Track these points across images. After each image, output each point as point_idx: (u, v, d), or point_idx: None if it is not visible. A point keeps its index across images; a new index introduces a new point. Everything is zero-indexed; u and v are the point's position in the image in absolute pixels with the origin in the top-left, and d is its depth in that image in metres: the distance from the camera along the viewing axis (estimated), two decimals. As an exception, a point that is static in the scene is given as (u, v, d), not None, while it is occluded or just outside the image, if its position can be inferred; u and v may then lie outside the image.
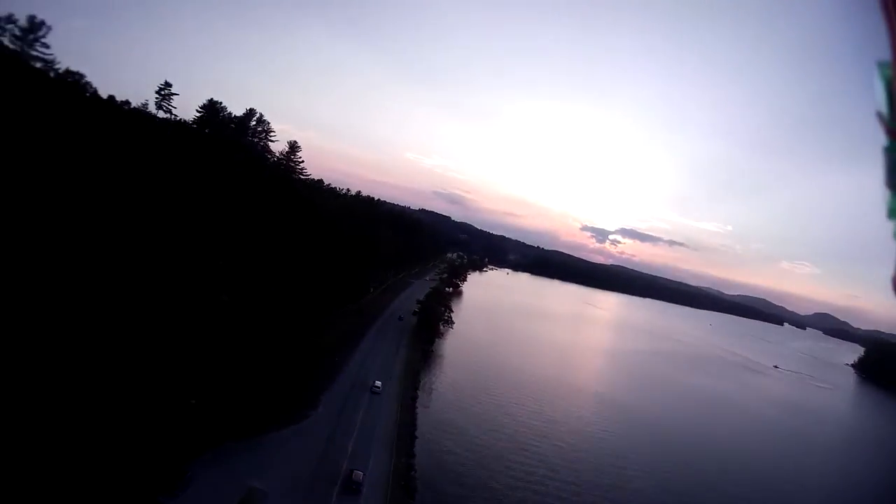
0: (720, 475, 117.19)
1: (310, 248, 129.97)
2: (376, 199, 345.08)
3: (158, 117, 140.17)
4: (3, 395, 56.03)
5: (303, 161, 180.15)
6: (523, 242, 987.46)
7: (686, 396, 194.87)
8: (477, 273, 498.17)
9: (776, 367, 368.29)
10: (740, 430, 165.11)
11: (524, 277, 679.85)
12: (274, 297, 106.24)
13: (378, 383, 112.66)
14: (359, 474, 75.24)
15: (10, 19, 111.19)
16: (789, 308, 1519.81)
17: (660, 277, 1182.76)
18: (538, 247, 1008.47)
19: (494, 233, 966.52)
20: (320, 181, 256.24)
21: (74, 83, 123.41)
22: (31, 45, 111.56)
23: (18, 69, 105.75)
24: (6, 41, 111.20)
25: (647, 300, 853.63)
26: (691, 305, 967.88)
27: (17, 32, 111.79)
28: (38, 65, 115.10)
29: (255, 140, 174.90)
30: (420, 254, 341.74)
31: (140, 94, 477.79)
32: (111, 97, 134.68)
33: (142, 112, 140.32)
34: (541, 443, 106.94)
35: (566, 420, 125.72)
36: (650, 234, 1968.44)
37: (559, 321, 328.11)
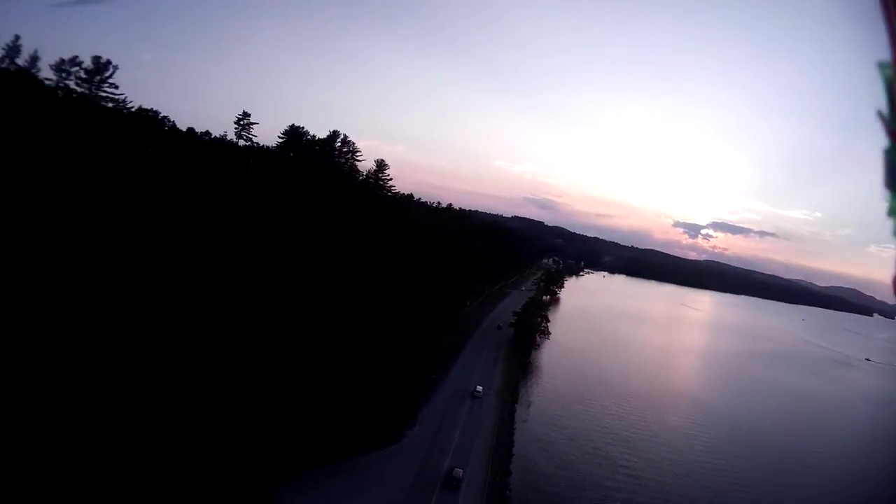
0: (820, 485, 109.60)
1: (402, 266, 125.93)
2: (468, 209, 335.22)
3: (240, 146, 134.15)
4: (99, 417, 55.10)
5: (391, 179, 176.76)
6: (617, 243, 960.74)
7: (783, 398, 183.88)
8: (573, 278, 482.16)
9: (868, 359, 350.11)
10: (837, 431, 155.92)
11: (620, 280, 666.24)
12: (367, 317, 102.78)
13: (479, 388, 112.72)
14: (458, 471, 75.96)
15: (74, 62, 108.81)
16: (878, 297, 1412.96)
17: (753, 271, 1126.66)
18: (632, 246, 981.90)
19: (588, 235, 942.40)
20: (410, 195, 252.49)
21: (151, 118, 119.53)
22: (98, 87, 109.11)
23: (89, 110, 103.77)
24: (72, 84, 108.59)
25: (742, 297, 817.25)
26: (784, 300, 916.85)
27: (83, 75, 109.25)
28: (110, 105, 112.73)
29: (342, 161, 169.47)
30: (516, 262, 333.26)
31: (218, 125, 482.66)
32: (190, 129, 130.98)
33: (223, 141, 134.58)
34: (635, 458, 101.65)
35: (660, 431, 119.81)
36: (741, 225, 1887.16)
37: (656, 325, 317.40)
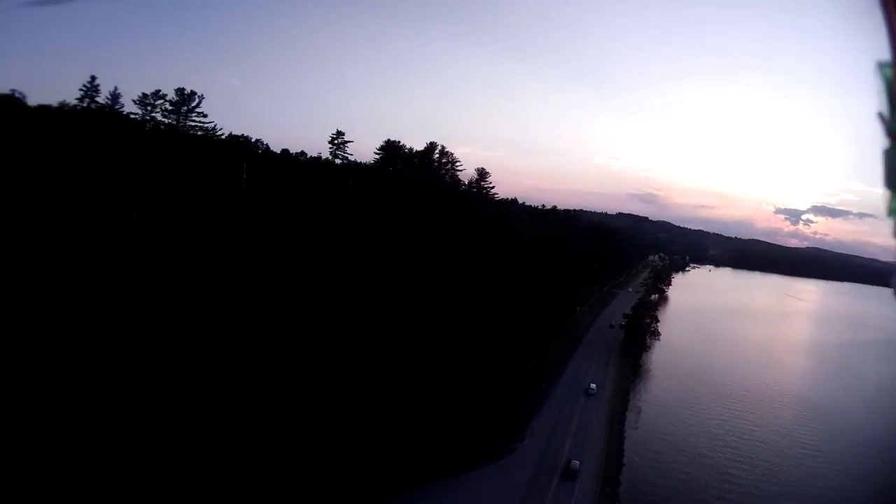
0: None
1: (509, 277, 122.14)
2: (573, 209, 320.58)
3: (337, 164, 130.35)
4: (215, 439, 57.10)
5: (493, 186, 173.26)
6: (721, 234, 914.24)
7: (891, 394, 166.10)
8: (680, 274, 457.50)
9: None
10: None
11: (726, 273, 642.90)
12: (475, 331, 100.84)
13: (593, 385, 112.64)
14: (576, 463, 77.76)
15: (157, 95, 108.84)
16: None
17: (854, 256, 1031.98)
18: (736, 237, 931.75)
19: (692, 228, 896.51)
20: (514, 200, 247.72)
21: (243, 143, 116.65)
22: (186, 117, 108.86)
23: (174, 139, 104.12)
24: (159, 116, 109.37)
25: (845, 284, 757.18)
26: (886, 285, 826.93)
27: (169, 107, 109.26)
28: (199, 133, 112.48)
29: (443, 172, 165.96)
30: (622, 262, 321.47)
31: (313, 144, 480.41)
32: (285, 150, 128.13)
33: (319, 161, 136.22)
34: (743, 466, 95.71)
35: (770, 436, 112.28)
36: (840, 208, 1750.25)
37: (762, 319, 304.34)
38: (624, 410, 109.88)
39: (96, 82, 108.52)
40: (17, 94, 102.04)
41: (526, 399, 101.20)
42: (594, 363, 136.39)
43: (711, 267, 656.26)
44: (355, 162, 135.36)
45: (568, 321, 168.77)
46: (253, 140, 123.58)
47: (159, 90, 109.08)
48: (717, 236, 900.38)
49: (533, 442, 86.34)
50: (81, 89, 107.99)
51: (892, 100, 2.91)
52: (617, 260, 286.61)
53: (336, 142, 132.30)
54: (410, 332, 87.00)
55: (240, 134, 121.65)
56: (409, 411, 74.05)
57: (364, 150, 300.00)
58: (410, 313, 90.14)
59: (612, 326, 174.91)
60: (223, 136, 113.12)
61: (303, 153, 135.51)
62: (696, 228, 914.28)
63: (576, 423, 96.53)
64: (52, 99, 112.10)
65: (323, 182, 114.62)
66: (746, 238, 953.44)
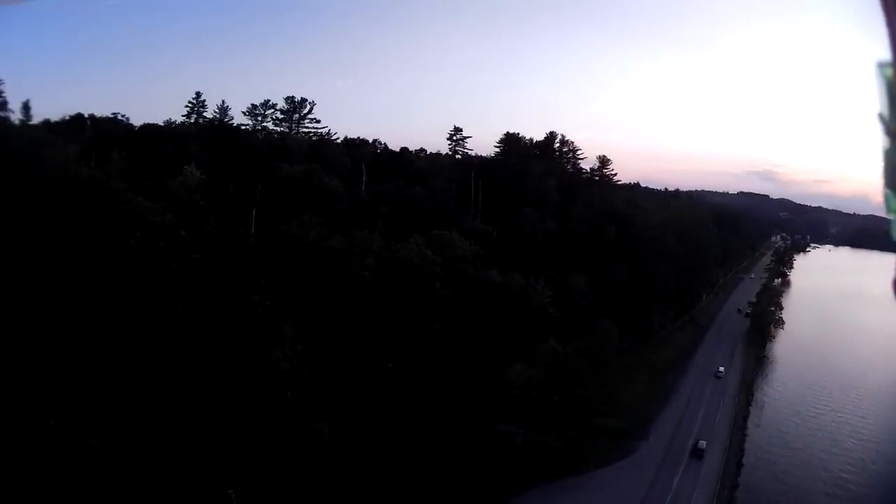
0: None
1: (636, 268, 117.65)
2: (694, 191, 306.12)
3: (457, 159, 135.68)
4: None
5: (616, 173, 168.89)
6: (840, 211, 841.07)
7: None
8: (801, 255, 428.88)
9: None
10: None
11: (845, 253, 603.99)
12: (602, 327, 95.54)
13: (721, 369, 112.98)
14: (703, 443, 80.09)
15: (267, 105, 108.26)
16: None
17: None
18: (854, 213, 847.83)
19: (811, 205, 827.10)
20: (637, 184, 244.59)
21: (361, 144, 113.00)
22: (298, 124, 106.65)
23: (287, 146, 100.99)
24: (270, 125, 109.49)
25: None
26: None
27: (279, 115, 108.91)
28: (314, 138, 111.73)
29: (564, 162, 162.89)
30: (746, 244, 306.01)
31: (432, 140, 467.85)
32: (404, 149, 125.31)
33: (439, 157, 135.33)
34: (854, 470, 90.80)
35: (883, 436, 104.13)
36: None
37: (883, 304, 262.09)
38: (747, 405, 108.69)
39: (202, 97, 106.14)
40: (120, 116, 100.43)
41: (653, 393, 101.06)
42: (720, 353, 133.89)
43: (831, 247, 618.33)
44: (476, 156, 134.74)
45: (695, 309, 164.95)
46: (371, 141, 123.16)
47: (268, 100, 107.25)
48: (837, 213, 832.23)
49: (656, 440, 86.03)
50: (187, 105, 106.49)
51: (893, 100, 2.66)
52: (741, 243, 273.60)
53: (455, 138, 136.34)
54: (535, 331, 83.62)
55: (356, 136, 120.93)
56: (531, 412, 72.08)
57: (483, 143, 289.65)
58: (534, 311, 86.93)
59: (739, 311, 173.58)
60: (338, 140, 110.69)
61: (422, 150, 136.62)
62: (816, 205, 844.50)
63: (699, 419, 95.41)
64: (157, 118, 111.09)
65: (444, 178, 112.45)
66: (864, 214, 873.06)
